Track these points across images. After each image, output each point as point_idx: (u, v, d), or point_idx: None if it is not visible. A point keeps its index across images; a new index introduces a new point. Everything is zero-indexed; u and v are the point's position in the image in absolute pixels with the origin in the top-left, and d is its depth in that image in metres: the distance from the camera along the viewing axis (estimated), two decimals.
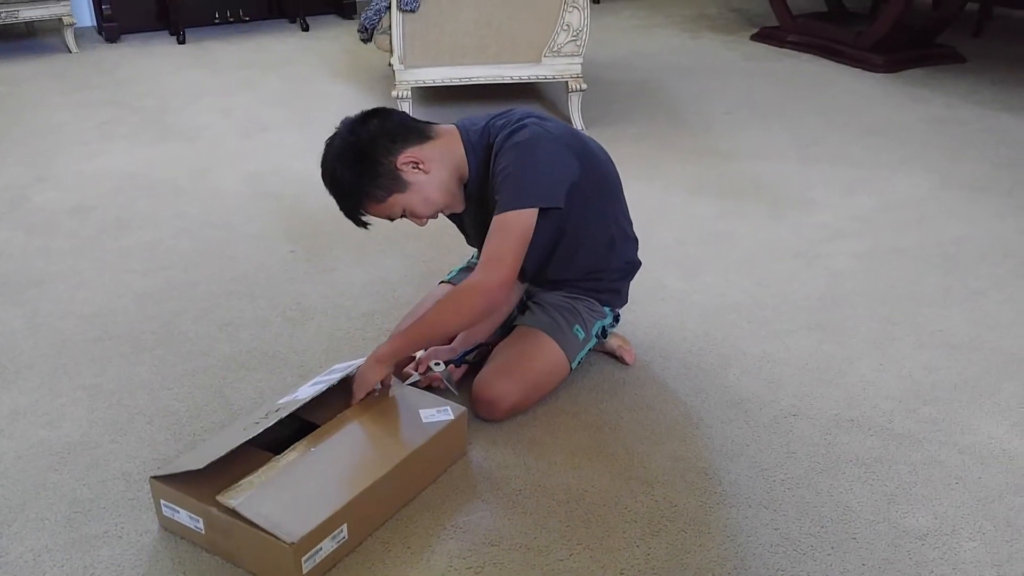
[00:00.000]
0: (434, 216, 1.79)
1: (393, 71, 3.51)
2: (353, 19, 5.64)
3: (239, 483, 1.46)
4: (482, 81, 3.48)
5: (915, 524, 1.53)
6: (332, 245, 2.60)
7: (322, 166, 1.76)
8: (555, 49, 3.50)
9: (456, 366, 1.88)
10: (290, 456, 1.53)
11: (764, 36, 4.91)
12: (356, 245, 2.59)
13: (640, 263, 1.99)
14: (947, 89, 4.01)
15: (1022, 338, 2.10)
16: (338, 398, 1.69)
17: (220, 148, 3.37)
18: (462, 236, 2.02)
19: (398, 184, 1.71)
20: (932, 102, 3.84)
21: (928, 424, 1.80)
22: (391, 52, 3.44)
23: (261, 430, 1.53)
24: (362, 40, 3.73)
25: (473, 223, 1.88)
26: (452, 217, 1.95)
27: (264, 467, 1.50)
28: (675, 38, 5.01)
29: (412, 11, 3.30)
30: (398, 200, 1.72)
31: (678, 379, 1.95)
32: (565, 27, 3.46)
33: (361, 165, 1.70)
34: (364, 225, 1.78)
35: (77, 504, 1.60)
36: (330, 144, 1.76)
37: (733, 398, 1.88)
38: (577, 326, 1.87)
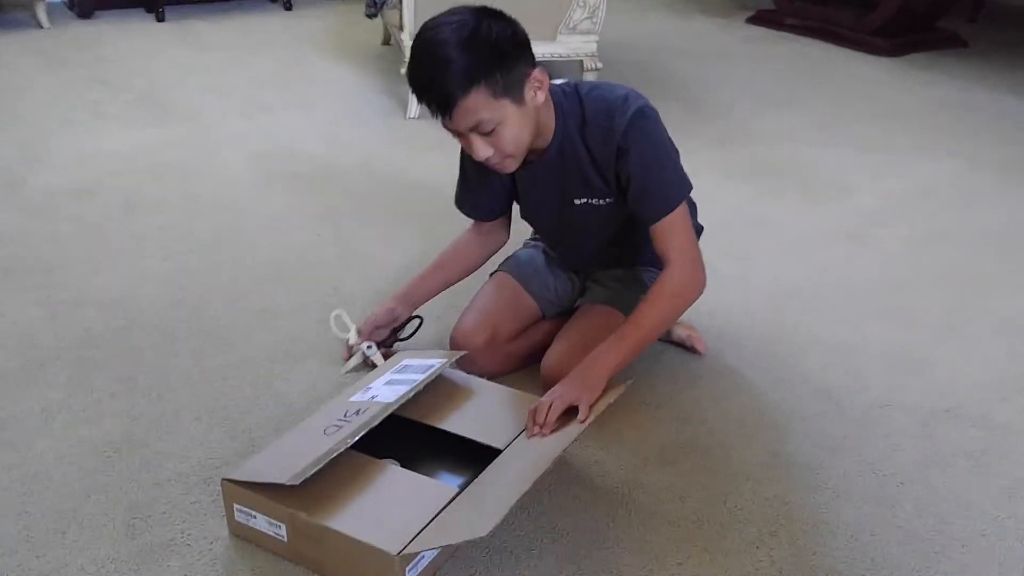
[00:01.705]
0: (499, 160, 1.56)
1: (401, 47, 3.36)
2: None
3: (326, 488, 1.33)
4: None
5: None
6: (358, 229, 2.45)
7: (452, 25, 1.46)
8: (571, 26, 3.38)
9: (388, 347, 1.83)
10: (385, 469, 1.41)
11: (761, 19, 4.84)
12: (385, 229, 2.45)
13: (702, 228, 1.86)
14: (955, 73, 3.97)
15: None
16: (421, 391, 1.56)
17: (221, 129, 3.19)
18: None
19: (518, 93, 1.50)
20: (942, 86, 3.79)
21: None
22: (400, 27, 3.29)
23: (354, 440, 1.39)
24: (368, 15, 3.57)
25: (547, 193, 1.71)
26: (494, 179, 1.74)
27: (357, 477, 1.37)
28: (668, 21, 4.91)
29: None
30: (506, 109, 1.49)
31: (755, 368, 1.85)
32: (581, 3, 3.34)
33: (502, 46, 1.47)
34: (443, 110, 1.48)
35: (135, 509, 1.45)
36: (465, 18, 1.48)
37: (819, 388, 1.79)
38: (643, 295, 1.74)
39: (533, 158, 1.65)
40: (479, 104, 1.47)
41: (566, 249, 1.86)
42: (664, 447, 1.61)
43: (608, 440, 1.63)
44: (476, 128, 1.50)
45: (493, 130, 1.50)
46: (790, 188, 2.76)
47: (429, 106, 1.51)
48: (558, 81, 1.65)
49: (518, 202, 1.83)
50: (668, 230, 1.58)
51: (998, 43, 4.45)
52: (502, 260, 1.95)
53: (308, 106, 3.45)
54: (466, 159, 1.75)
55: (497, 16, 1.50)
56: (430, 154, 3.00)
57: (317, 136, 3.16)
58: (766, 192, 2.72)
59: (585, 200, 1.67)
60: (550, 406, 1.43)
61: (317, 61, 4.06)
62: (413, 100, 3.34)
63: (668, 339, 1.90)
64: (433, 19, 1.51)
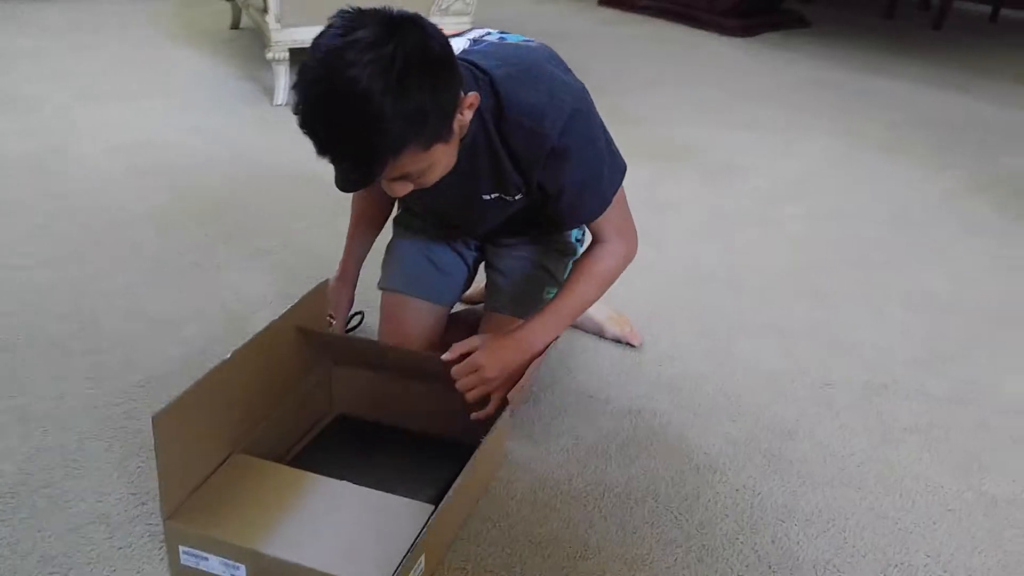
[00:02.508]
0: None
1: (265, 31, 3.15)
2: None
3: (283, 517, 1.20)
4: None
5: (1000, 491, 1.49)
6: (251, 226, 2.27)
7: (368, 57, 1.09)
8: (443, 7, 3.27)
9: None
10: (350, 491, 1.28)
11: (612, 1, 4.87)
12: (278, 223, 2.28)
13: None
14: (806, 51, 4.11)
15: (1000, 291, 2.13)
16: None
17: (71, 119, 2.89)
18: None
19: (448, 129, 1.22)
20: (798, 64, 3.92)
21: (963, 385, 1.77)
22: (265, 10, 3.08)
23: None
24: None
25: (451, 188, 1.38)
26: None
27: (306, 491, 1.24)
28: (522, 5, 4.87)
29: None
30: (436, 153, 1.22)
31: (694, 355, 1.82)
32: None
33: (436, 84, 1.15)
34: (362, 170, 1.20)
35: (49, 562, 1.26)
36: (380, 42, 1.10)
37: (759, 371, 1.78)
38: (549, 288, 1.64)
39: None
40: (407, 161, 1.19)
41: (463, 232, 1.68)
42: (624, 444, 1.55)
43: (563, 440, 1.55)
44: (394, 179, 1.25)
45: (414, 177, 1.26)
46: (688, 170, 2.76)
47: (336, 162, 1.19)
48: (455, 42, 1.38)
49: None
50: (604, 219, 1.48)
51: (837, 22, 4.65)
52: (383, 267, 1.71)
53: (166, 94, 3.19)
54: None
55: (412, 27, 1.14)
56: (305, 139, 2.82)
57: (182, 126, 2.91)
58: (666, 175, 2.71)
59: (497, 195, 1.45)
60: (478, 380, 1.37)
61: (167, 46, 3.78)
62: (281, 86, 3.14)
63: (602, 335, 1.85)
64: (332, 36, 1.12)
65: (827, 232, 2.41)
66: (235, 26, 4.09)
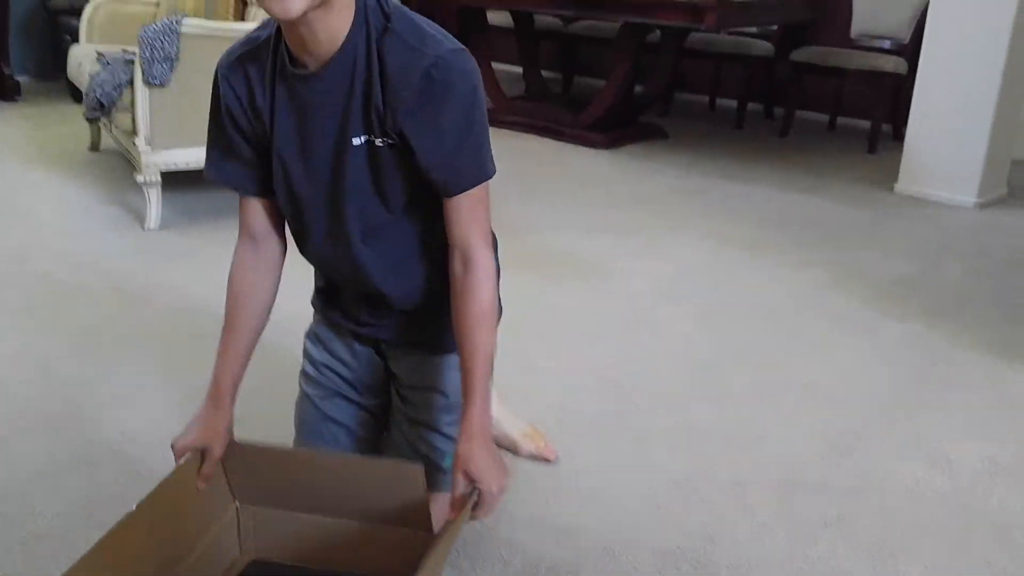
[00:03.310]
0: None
1: (133, 154, 3.06)
2: (16, 101, 4.94)
3: None
4: None
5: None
6: (129, 360, 2.15)
7: None
8: None
9: None
10: None
11: None
12: (160, 357, 2.17)
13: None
14: (669, 161, 4.32)
15: (878, 382, 2.23)
16: None
17: None
18: None
19: None
20: (664, 173, 4.10)
21: (863, 474, 1.82)
22: (134, 132, 3.00)
23: None
24: (89, 119, 3.23)
25: (321, 125, 1.27)
26: (254, 128, 1.32)
27: None
28: None
29: (160, 85, 2.91)
30: None
31: (608, 464, 1.82)
32: None
33: None
34: None
35: None
36: None
37: (674, 475, 1.79)
38: (447, 456, 1.46)
39: (310, 66, 1.25)
40: None
41: (342, 275, 1.44)
42: (554, 566, 1.52)
43: (494, 570, 1.50)
44: None
45: None
46: (567, 277, 2.81)
47: None
48: None
49: (274, 157, 1.33)
50: (474, 206, 1.31)
51: (693, 133, 4.92)
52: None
53: (22, 219, 3.04)
54: (218, 110, 1.34)
55: None
56: (183, 264, 2.74)
57: (45, 253, 2.77)
58: (549, 281, 2.75)
59: (367, 138, 1.27)
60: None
61: (18, 173, 3.62)
62: (153, 210, 3.04)
63: (517, 453, 1.82)
64: None
65: (709, 330, 2.48)
66: (94, 147, 3.97)
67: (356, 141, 1.27)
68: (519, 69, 5.47)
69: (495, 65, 5.18)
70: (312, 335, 1.57)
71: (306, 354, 1.58)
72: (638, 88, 4.82)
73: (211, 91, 1.35)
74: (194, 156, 3.00)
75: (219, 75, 1.33)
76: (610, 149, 4.50)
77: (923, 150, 3.85)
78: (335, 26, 1.21)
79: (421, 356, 1.49)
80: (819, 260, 3.06)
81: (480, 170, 1.30)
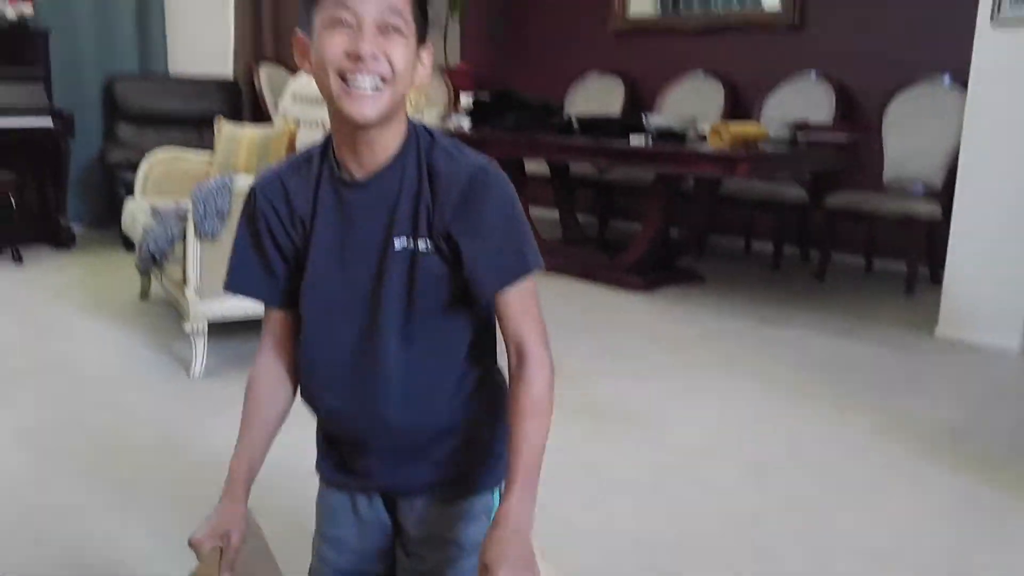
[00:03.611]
0: (379, 73, 1.24)
1: (181, 303, 3.15)
2: (71, 249, 5.12)
3: None
4: None
5: None
6: (175, 518, 2.15)
7: None
8: None
9: None
10: None
11: None
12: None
13: None
14: (707, 304, 4.34)
15: (936, 537, 2.16)
16: None
17: None
18: None
19: (424, 35, 1.32)
20: (702, 316, 4.12)
21: None
22: (184, 282, 3.09)
23: None
24: (141, 270, 3.33)
25: (364, 231, 1.32)
26: (286, 243, 1.36)
27: None
28: None
29: (212, 239, 3.02)
30: (411, 35, 1.28)
31: None
32: None
33: None
34: None
35: None
36: None
37: None
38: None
39: (358, 175, 1.32)
40: (404, 3, 1.25)
41: (358, 404, 1.37)
42: None
43: None
44: (383, 18, 1.24)
45: (392, 36, 1.25)
46: (607, 425, 2.80)
47: None
48: None
49: (309, 264, 1.36)
50: (525, 300, 1.32)
51: (729, 276, 4.95)
52: None
53: (71, 370, 3.10)
54: (252, 226, 1.38)
55: None
56: (225, 413, 2.76)
57: (89, 402, 2.81)
58: (586, 431, 2.74)
59: (410, 242, 1.31)
60: None
61: (67, 318, 3.72)
62: (199, 359, 3.10)
63: None
64: None
65: (755, 483, 2.44)
66: (144, 296, 4.07)
67: (399, 245, 1.31)
68: (555, 214, 5.59)
69: (532, 210, 5.31)
70: (319, 505, 1.53)
71: (316, 524, 1.54)
72: (673, 231, 4.89)
73: (242, 210, 1.40)
74: (240, 305, 3.08)
75: (256, 193, 1.38)
76: (647, 292, 4.54)
77: (962, 294, 3.84)
78: (390, 138, 1.31)
79: (436, 505, 1.43)
80: (864, 407, 3.02)
81: (526, 261, 1.31)
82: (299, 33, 1.31)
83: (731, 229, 5.74)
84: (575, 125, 4.72)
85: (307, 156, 1.39)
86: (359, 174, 1.32)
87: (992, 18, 3.64)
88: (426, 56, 1.32)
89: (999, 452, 2.69)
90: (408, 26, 1.26)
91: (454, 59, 7.04)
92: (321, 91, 1.28)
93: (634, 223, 5.88)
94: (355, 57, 1.23)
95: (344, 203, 1.33)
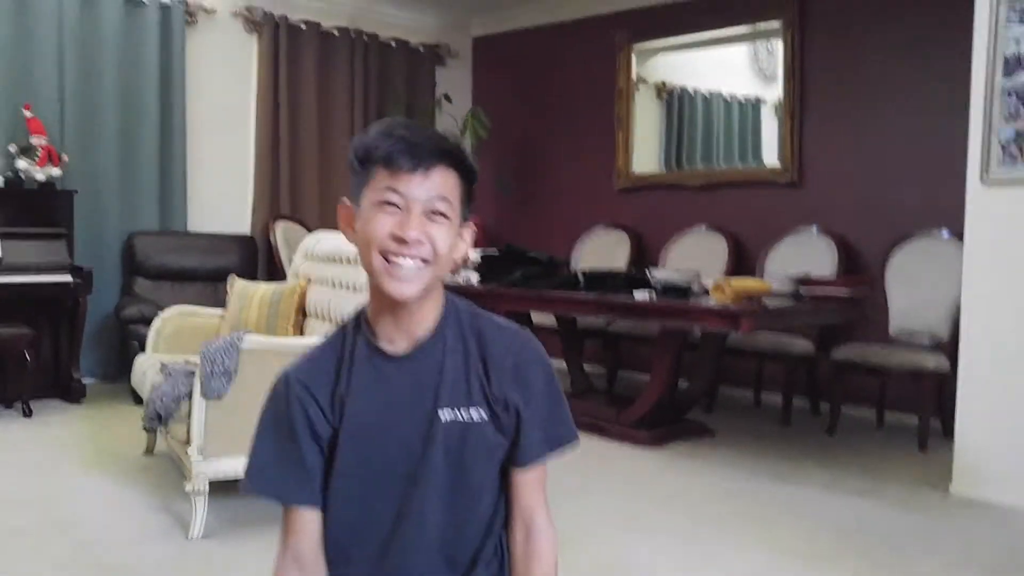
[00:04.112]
0: (422, 256, 1.30)
1: (184, 462, 3.14)
2: (81, 403, 5.14)
3: None
4: None
5: None
6: None
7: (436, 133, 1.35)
8: None
9: None
10: None
11: None
12: None
13: None
14: (716, 460, 4.28)
15: None
16: None
17: None
18: None
19: (465, 214, 1.37)
20: (711, 473, 4.06)
21: None
22: (188, 441, 3.09)
23: None
24: (148, 429, 3.34)
25: (407, 403, 1.33)
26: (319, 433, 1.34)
27: None
28: None
29: (218, 398, 3.04)
30: (455, 214, 1.33)
31: None
32: None
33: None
34: (426, 160, 1.29)
35: None
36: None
37: None
38: None
39: (399, 348, 1.35)
40: (450, 183, 1.31)
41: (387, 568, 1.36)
42: None
43: None
44: (430, 204, 1.29)
45: (438, 220, 1.30)
46: None
47: (405, 154, 1.28)
48: None
49: (345, 441, 1.34)
50: (542, 473, 1.41)
51: (739, 430, 4.91)
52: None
53: (70, 530, 3.07)
54: (284, 421, 1.34)
55: None
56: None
57: (85, 564, 2.77)
58: None
59: (455, 415, 1.32)
60: None
61: (71, 473, 3.71)
62: (199, 519, 3.06)
63: None
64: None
65: None
66: (149, 451, 4.06)
67: (446, 418, 1.33)
68: (563, 364, 5.61)
69: None
70: None
71: None
72: (683, 382, 4.88)
73: (270, 402, 1.38)
74: (243, 464, 3.06)
75: (291, 381, 1.35)
76: (656, 447, 4.50)
77: (975, 450, 3.78)
78: (429, 310, 1.34)
79: None
80: (879, 572, 2.93)
81: (571, 431, 1.41)
82: (346, 201, 1.36)
83: (740, 381, 5.73)
84: (581, 280, 4.80)
85: (339, 335, 1.39)
86: (401, 345, 1.34)
87: (982, 179, 3.74)
88: (467, 233, 1.38)
89: None
90: (453, 210, 1.32)
91: None
92: (363, 263, 1.33)
93: (643, 373, 5.88)
94: (400, 240, 1.27)
95: (384, 377, 1.34)
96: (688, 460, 4.30)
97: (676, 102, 6.55)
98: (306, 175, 6.51)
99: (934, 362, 4.51)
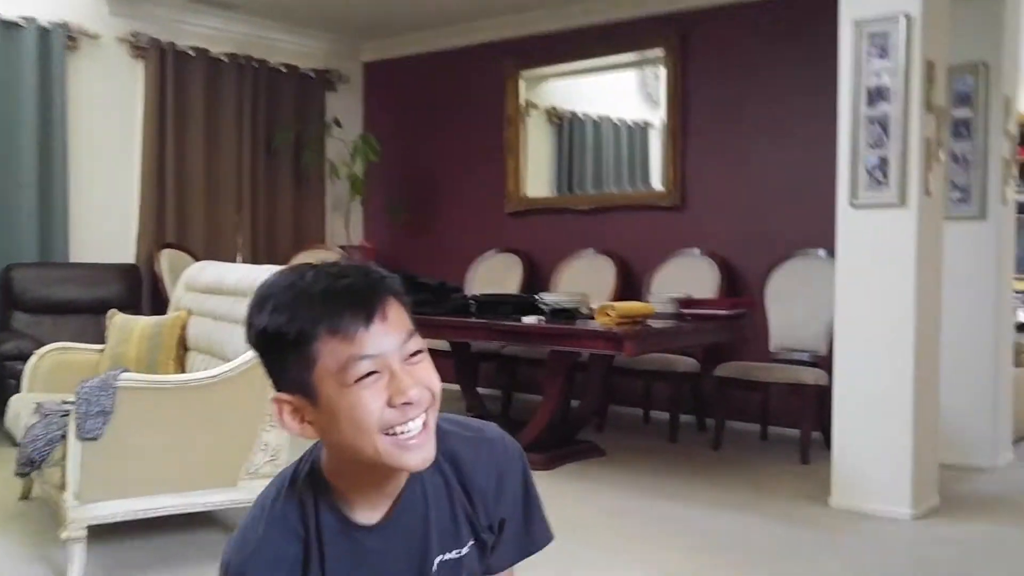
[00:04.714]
0: (425, 404, 1.11)
1: (60, 508, 3.02)
2: None
3: None
4: (172, 511, 3.11)
5: None
6: None
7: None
8: (252, 471, 3.28)
9: None
10: None
11: None
12: None
13: None
14: (606, 480, 4.36)
15: None
16: None
17: None
18: None
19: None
20: (601, 494, 4.13)
21: None
22: (63, 487, 2.98)
23: None
24: (20, 474, 3.21)
25: (398, 562, 1.18)
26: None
27: None
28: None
29: (94, 439, 2.94)
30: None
31: None
32: (263, 447, 3.29)
33: None
34: (376, 306, 1.09)
35: None
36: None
37: None
38: None
39: (377, 513, 1.16)
40: (400, 311, 1.11)
41: None
42: None
43: None
44: (406, 349, 1.09)
45: (419, 360, 1.11)
46: None
47: (351, 310, 1.06)
48: None
49: None
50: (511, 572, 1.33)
51: (629, 449, 5.00)
52: None
53: None
54: None
55: None
56: None
57: None
58: None
59: (447, 555, 1.21)
60: None
61: None
62: (76, 568, 2.95)
63: None
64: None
65: None
66: (25, 496, 3.90)
67: (438, 565, 1.20)
68: (457, 387, 5.62)
69: None
70: None
71: None
72: (575, 403, 4.95)
73: None
74: (122, 508, 2.98)
75: None
76: (548, 470, 4.54)
77: (851, 463, 3.94)
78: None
79: None
80: None
81: (548, 531, 1.33)
82: (283, 396, 1.12)
83: (629, 400, 5.84)
84: (473, 305, 4.83)
85: (292, 506, 1.16)
86: (379, 509, 1.16)
87: (851, 202, 3.92)
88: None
89: None
90: (419, 338, 1.14)
91: (356, 238, 7.18)
92: (353, 454, 1.10)
93: (538, 396, 5.92)
94: (404, 406, 1.07)
95: (367, 553, 1.16)
96: (579, 482, 4.36)
97: (567, 127, 6.67)
98: (193, 202, 6.38)
99: (813, 376, 4.69)
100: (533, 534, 1.30)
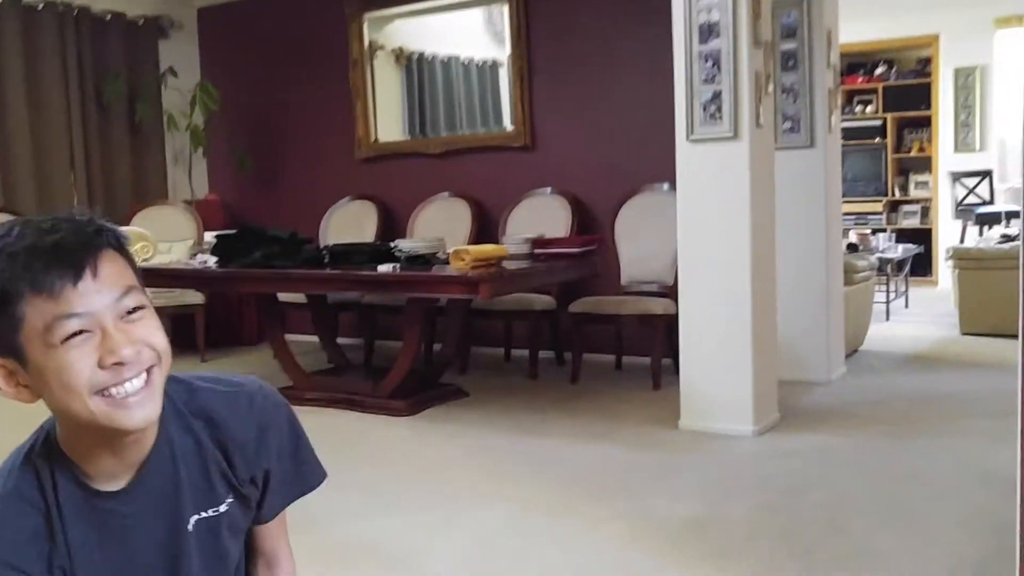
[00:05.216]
0: (143, 362, 1.07)
1: None
2: None
3: None
4: None
5: None
6: None
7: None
8: None
9: None
10: None
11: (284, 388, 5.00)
12: None
13: None
14: (469, 421, 4.43)
15: None
16: None
17: None
18: None
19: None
20: (464, 435, 4.20)
21: None
22: None
23: None
24: None
25: (150, 529, 1.15)
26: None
27: None
28: None
29: None
30: (146, 301, 1.11)
31: None
32: None
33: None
34: (82, 263, 1.03)
35: None
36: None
37: None
38: None
39: (120, 478, 1.13)
40: (120, 266, 1.06)
41: None
42: None
43: None
44: (121, 306, 1.05)
45: (138, 317, 1.06)
46: (363, 570, 2.77)
47: (55, 266, 1.01)
48: None
49: None
50: (282, 520, 1.34)
51: (491, 389, 5.09)
52: None
53: None
54: None
55: None
56: None
57: None
58: None
59: (204, 515, 1.19)
60: None
61: None
62: None
63: None
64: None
65: None
66: None
67: (193, 524, 1.18)
68: (316, 338, 5.56)
69: (292, 338, 5.27)
70: None
71: None
72: (437, 347, 4.99)
73: None
74: None
75: None
76: (412, 416, 4.58)
77: (697, 386, 4.14)
78: (154, 421, 1.12)
79: None
80: (616, 514, 3.15)
81: (317, 472, 1.34)
82: None
83: (490, 340, 5.92)
84: (326, 256, 4.77)
85: (29, 479, 1.11)
86: (121, 475, 1.13)
87: (688, 136, 4.05)
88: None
89: (735, 543, 2.89)
90: (143, 294, 1.09)
91: (201, 191, 6.94)
92: (69, 418, 1.06)
93: (400, 343, 5.94)
94: (116, 365, 1.03)
95: (112, 520, 1.13)
96: (442, 424, 4.42)
97: (416, 68, 6.57)
98: (20, 163, 6.02)
99: (661, 306, 4.87)
100: (303, 475, 1.32)
